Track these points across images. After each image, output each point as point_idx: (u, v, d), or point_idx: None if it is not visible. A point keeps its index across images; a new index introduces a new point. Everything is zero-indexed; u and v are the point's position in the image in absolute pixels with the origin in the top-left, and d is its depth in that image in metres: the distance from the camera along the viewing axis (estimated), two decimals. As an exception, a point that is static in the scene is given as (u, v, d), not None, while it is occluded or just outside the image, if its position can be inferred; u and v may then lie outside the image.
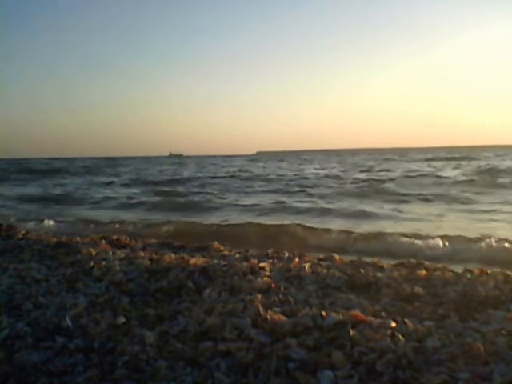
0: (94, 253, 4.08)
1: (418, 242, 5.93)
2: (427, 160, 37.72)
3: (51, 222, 8.28)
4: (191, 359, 1.97)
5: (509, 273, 3.21)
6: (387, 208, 10.21)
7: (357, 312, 2.26)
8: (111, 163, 53.33)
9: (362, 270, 3.34)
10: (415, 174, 21.06)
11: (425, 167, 27.43)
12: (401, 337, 1.98)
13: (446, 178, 17.90)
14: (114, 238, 5.24)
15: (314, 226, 7.42)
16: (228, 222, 8.43)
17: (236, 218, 9.04)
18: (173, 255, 3.88)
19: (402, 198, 11.81)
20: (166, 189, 16.66)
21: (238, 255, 4.12)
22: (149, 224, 8.25)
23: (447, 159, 37.00)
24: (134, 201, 13.23)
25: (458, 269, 3.52)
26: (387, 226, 7.40)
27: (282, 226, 7.51)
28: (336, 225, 7.65)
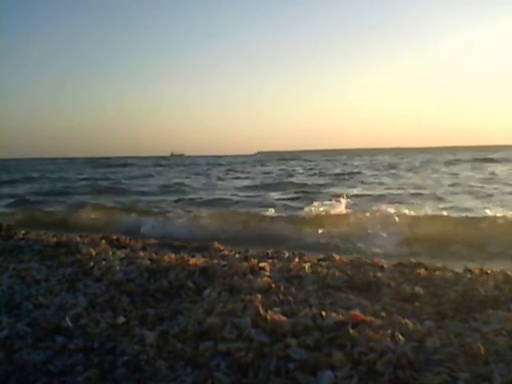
0: (93, 253, 4.09)
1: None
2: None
3: None
4: (191, 359, 1.97)
5: (509, 273, 3.21)
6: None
7: (357, 312, 2.26)
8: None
9: (361, 270, 3.34)
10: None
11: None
12: (401, 337, 1.98)
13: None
14: (114, 237, 5.25)
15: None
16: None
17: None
18: (173, 255, 3.88)
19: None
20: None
21: (237, 255, 4.12)
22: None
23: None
24: None
25: (458, 269, 3.51)
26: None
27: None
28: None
